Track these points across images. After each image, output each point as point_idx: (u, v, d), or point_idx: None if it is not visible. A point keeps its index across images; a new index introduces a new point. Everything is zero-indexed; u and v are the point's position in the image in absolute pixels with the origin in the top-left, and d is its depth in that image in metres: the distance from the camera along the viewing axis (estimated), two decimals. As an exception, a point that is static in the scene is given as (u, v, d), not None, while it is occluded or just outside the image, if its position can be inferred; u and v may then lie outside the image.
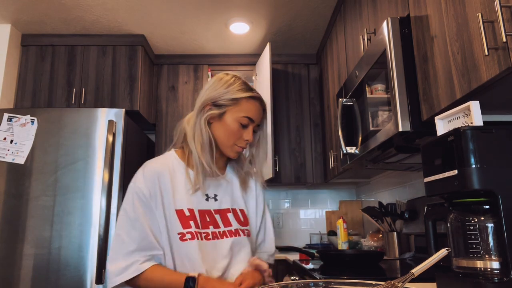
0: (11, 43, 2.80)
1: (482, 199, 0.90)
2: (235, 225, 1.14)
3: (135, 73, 2.88)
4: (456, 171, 0.88)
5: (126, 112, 2.55)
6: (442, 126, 1.03)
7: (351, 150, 1.87)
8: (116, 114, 2.41)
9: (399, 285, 0.63)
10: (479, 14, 0.96)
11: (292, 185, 3.14)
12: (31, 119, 2.38)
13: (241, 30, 2.89)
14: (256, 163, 1.23)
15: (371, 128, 1.65)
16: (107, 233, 2.20)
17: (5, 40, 2.76)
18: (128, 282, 1.02)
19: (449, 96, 1.15)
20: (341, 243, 2.51)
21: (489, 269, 0.86)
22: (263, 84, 2.89)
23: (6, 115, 2.37)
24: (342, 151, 1.91)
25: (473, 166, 0.86)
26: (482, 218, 0.89)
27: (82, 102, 2.81)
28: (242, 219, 1.17)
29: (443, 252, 0.70)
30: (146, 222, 1.06)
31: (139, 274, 1.02)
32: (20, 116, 2.38)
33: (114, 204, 2.27)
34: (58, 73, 2.87)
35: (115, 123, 2.39)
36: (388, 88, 1.43)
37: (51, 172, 2.31)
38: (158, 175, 1.10)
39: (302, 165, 3.06)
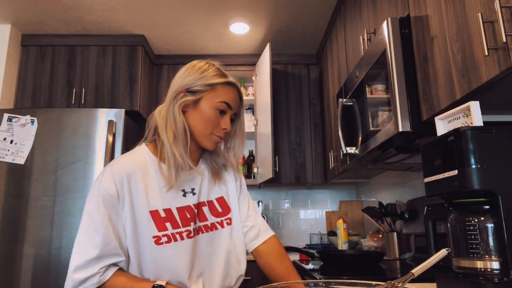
0: (11, 43, 2.80)
1: (482, 199, 0.90)
2: (210, 219, 1.09)
3: (135, 73, 2.88)
4: (456, 171, 0.88)
5: (126, 112, 2.55)
6: (442, 126, 1.03)
7: (351, 150, 1.87)
8: (116, 114, 2.41)
9: (399, 285, 0.63)
10: (479, 14, 0.96)
11: (292, 185, 3.14)
12: (31, 119, 2.38)
13: (241, 30, 2.89)
14: (234, 155, 1.15)
15: (371, 128, 1.65)
16: (107, 233, 2.20)
17: (5, 40, 2.76)
18: None
19: (449, 96, 1.15)
20: (341, 243, 2.51)
21: (489, 269, 0.86)
22: (263, 84, 2.89)
23: (6, 115, 2.37)
24: (342, 151, 1.91)
25: (473, 166, 0.86)
26: (482, 218, 0.89)
27: (82, 102, 2.82)
28: (220, 209, 1.12)
29: (443, 252, 0.70)
30: (111, 226, 0.97)
31: (102, 284, 0.95)
32: (20, 116, 2.38)
33: (114, 204, 2.27)
34: (58, 73, 2.87)
35: (115, 123, 2.39)
36: (388, 88, 1.43)
37: (51, 172, 2.31)
38: (128, 175, 1.01)
39: (302, 165, 3.06)
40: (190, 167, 1.05)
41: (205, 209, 1.09)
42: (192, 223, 1.04)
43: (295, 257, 2.38)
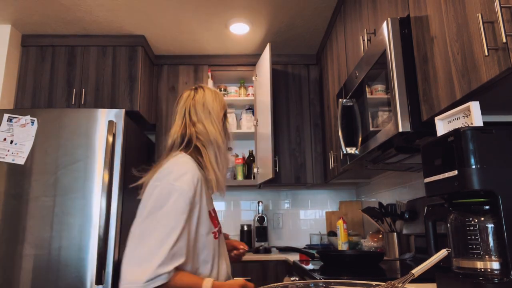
0: (11, 44, 2.80)
1: (482, 199, 0.90)
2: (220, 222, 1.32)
3: (135, 73, 2.88)
4: (456, 172, 0.88)
5: (126, 113, 2.55)
6: (442, 126, 1.03)
7: (351, 150, 1.87)
8: (116, 115, 2.41)
9: (399, 285, 0.63)
10: (479, 14, 0.96)
11: (292, 185, 3.14)
12: (31, 119, 2.38)
13: (241, 30, 2.89)
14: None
15: (371, 129, 1.65)
16: (107, 234, 2.20)
17: (5, 41, 2.76)
18: None
19: (449, 96, 1.15)
20: (341, 243, 2.51)
21: (489, 270, 0.86)
22: (263, 84, 2.89)
23: (6, 116, 2.37)
24: (342, 151, 1.91)
25: (473, 166, 0.86)
26: (482, 219, 0.89)
27: (82, 103, 2.82)
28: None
29: (443, 252, 0.70)
30: (185, 229, 1.05)
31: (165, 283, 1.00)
32: (20, 116, 2.38)
33: (114, 204, 2.27)
34: (58, 74, 2.87)
35: (115, 123, 2.39)
36: (388, 89, 1.43)
37: (51, 173, 2.31)
38: (200, 179, 1.14)
39: (302, 166, 3.06)
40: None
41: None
42: (218, 223, 1.25)
43: (295, 257, 2.37)
